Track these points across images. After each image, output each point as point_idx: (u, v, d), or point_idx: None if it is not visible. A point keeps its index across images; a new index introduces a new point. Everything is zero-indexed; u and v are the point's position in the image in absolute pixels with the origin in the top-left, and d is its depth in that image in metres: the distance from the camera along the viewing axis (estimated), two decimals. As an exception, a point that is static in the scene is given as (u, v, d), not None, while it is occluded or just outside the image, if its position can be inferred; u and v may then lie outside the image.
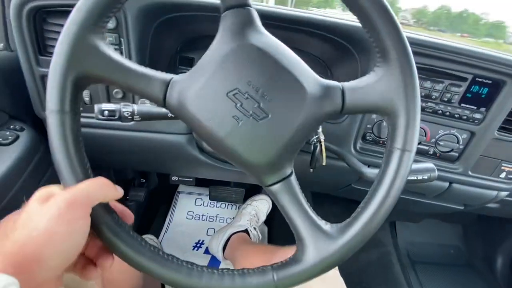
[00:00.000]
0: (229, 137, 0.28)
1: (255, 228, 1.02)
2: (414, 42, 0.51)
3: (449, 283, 1.09)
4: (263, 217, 1.09)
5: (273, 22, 0.55)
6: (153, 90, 0.29)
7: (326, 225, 0.30)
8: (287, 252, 0.52)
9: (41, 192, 0.26)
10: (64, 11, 0.50)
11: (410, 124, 0.29)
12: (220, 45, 0.29)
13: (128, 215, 0.32)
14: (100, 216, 0.28)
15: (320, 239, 0.30)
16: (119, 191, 0.29)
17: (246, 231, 0.98)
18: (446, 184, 0.64)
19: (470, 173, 0.62)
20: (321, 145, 0.49)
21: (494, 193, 0.65)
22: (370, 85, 0.29)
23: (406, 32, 0.47)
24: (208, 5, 0.52)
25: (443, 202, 0.72)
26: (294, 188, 0.31)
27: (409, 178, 0.42)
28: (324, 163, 0.49)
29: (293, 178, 0.31)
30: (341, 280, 0.52)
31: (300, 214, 0.30)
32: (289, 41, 0.65)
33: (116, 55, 0.28)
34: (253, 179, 0.31)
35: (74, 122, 0.28)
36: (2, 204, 0.50)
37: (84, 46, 0.27)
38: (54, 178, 0.64)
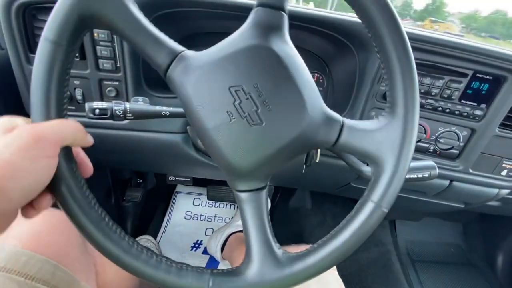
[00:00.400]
0: (216, 129, 0.28)
1: None
2: (414, 38, 0.49)
3: (450, 282, 1.08)
4: None
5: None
6: (159, 56, 0.28)
7: (278, 250, 0.30)
8: (290, 249, 0.51)
9: (4, 121, 0.24)
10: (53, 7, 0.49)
11: (393, 184, 0.28)
12: (241, 37, 0.28)
13: (87, 166, 0.30)
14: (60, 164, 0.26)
15: (268, 262, 0.29)
16: (88, 139, 0.28)
17: None
18: (447, 182, 0.63)
19: (470, 170, 0.61)
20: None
21: (495, 191, 0.64)
22: (369, 130, 0.29)
23: (406, 28, 0.46)
24: (206, 1, 0.51)
25: (443, 201, 0.71)
26: (261, 203, 0.30)
27: (409, 176, 0.41)
28: (317, 160, 0.49)
29: (264, 192, 0.30)
30: (340, 281, 0.51)
31: (258, 230, 0.30)
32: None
33: (134, 8, 0.27)
34: (226, 178, 0.31)
35: (66, 59, 0.26)
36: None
37: None
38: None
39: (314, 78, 0.67)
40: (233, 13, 0.53)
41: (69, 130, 0.25)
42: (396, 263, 1.04)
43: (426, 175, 0.43)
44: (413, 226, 1.21)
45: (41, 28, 0.50)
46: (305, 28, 0.55)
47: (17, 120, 0.25)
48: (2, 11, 0.47)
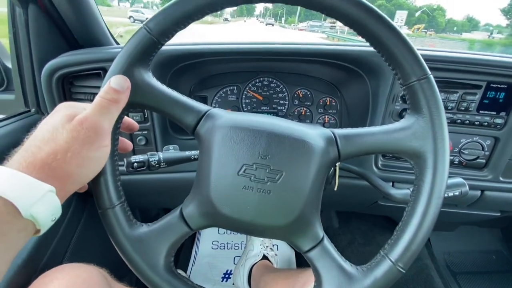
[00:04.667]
0: (249, 212, 0.30)
1: (271, 249, 0.99)
2: (426, 58, 0.51)
3: (498, 293, 1.01)
4: None
5: (282, 57, 0.57)
6: (187, 118, 0.31)
7: (351, 267, 0.30)
8: (310, 273, 0.50)
9: (67, 108, 0.28)
10: (88, 75, 0.54)
11: (439, 171, 0.29)
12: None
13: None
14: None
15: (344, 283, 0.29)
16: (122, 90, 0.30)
17: (264, 257, 0.95)
18: (478, 193, 0.61)
19: (501, 179, 0.59)
20: (335, 169, 0.49)
21: None
22: (362, 133, 0.31)
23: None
24: (219, 50, 0.55)
25: (477, 211, 0.69)
26: (331, 253, 0.31)
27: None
28: (335, 189, 0.49)
29: (326, 241, 0.31)
30: None
31: (335, 274, 0.30)
32: (299, 70, 0.68)
33: (159, 84, 0.31)
34: (293, 246, 0.32)
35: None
36: (43, 261, 0.52)
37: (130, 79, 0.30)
38: (86, 228, 0.66)
39: (326, 102, 0.69)
40: (237, 57, 0.59)
41: (118, 111, 0.30)
42: (437, 278, 0.99)
43: (457, 193, 0.43)
44: (448, 236, 1.15)
45: (78, 93, 0.56)
46: (315, 61, 0.58)
47: (76, 105, 0.29)
48: (44, 81, 0.53)
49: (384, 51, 0.29)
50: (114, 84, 0.28)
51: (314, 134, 0.31)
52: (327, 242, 0.31)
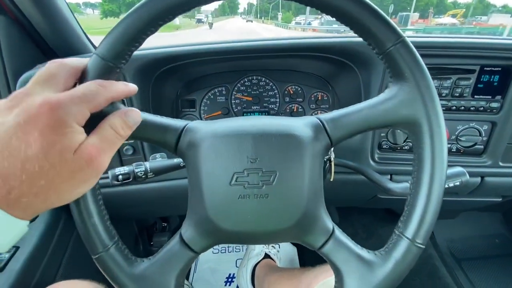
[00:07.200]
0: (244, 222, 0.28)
1: (273, 247, 0.98)
2: (418, 46, 0.50)
3: (504, 276, 1.00)
4: None
5: (269, 53, 0.55)
6: (166, 138, 0.29)
7: (368, 254, 0.29)
8: (314, 273, 0.48)
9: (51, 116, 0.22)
10: None
11: (435, 131, 0.27)
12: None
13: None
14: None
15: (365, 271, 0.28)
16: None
17: (266, 255, 0.94)
18: (478, 179, 0.60)
19: (500, 163, 0.58)
20: (330, 163, 0.47)
21: None
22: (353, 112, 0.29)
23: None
24: (203, 50, 0.53)
25: (479, 197, 0.68)
26: (345, 243, 0.29)
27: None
28: (331, 179, 0.48)
29: (338, 232, 0.30)
30: None
31: (354, 265, 0.28)
32: (288, 66, 0.66)
33: None
34: (305, 245, 0.30)
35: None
36: (34, 280, 0.50)
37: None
38: (79, 244, 0.64)
39: (318, 97, 0.68)
40: (223, 57, 0.56)
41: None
42: (442, 268, 0.98)
43: (458, 183, 0.41)
44: (450, 223, 1.14)
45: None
46: (304, 55, 0.56)
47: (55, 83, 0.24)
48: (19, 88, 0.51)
49: (354, 25, 0.28)
50: (132, 121, 0.25)
51: (300, 124, 0.29)
52: (339, 233, 0.29)
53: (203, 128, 0.29)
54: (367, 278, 0.28)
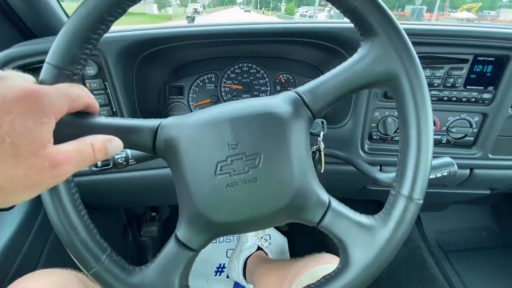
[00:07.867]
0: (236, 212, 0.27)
1: (265, 239, 0.98)
2: (410, 33, 0.48)
3: (490, 267, 1.02)
4: None
5: (260, 38, 0.53)
6: (142, 139, 0.28)
7: (368, 219, 0.28)
8: (303, 263, 0.48)
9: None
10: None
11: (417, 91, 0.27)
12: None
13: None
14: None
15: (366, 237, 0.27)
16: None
17: (258, 248, 0.94)
18: (467, 171, 0.60)
19: (490, 156, 0.58)
20: (320, 154, 0.46)
21: None
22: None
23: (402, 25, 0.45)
24: (190, 33, 0.51)
25: (467, 190, 0.68)
26: (343, 213, 0.28)
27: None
28: (322, 171, 0.47)
29: (334, 203, 0.29)
30: None
31: (355, 233, 0.28)
32: (280, 54, 0.64)
33: (100, 120, 0.26)
34: (303, 222, 0.29)
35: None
36: (13, 268, 0.48)
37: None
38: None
39: None
40: (211, 41, 0.54)
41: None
42: (429, 259, 0.99)
43: (446, 173, 0.41)
44: (439, 216, 1.16)
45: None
46: (295, 41, 0.55)
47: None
48: None
49: None
50: (112, 149, 0.25)
51: (278, 101, 0.28)
52: (336, 204, 0.28)
53: (178, 123, 0.28)
54: (371, 244, 0.27)
